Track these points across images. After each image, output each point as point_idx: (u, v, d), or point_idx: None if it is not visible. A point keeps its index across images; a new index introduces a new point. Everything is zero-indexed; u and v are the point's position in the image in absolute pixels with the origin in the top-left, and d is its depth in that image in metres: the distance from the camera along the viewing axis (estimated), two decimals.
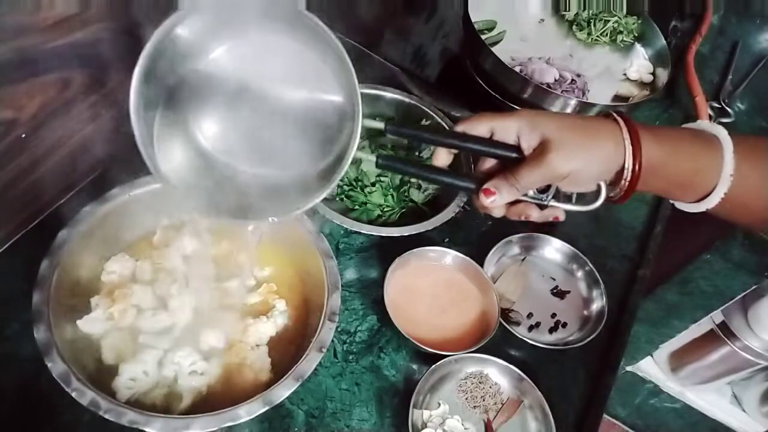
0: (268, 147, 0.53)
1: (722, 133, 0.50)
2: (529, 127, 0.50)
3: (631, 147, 0.48)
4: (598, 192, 0.51)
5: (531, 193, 0.52)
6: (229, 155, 0.54)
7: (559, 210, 0.53)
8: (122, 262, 0.64)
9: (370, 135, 0.85)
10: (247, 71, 0.51)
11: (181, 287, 0.64)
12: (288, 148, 0.53)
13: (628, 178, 0.49)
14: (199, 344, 0.61)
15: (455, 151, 0.55)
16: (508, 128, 0.51)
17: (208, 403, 0.58)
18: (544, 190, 0.52)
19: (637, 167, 0.49)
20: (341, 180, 0.82)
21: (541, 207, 0.53)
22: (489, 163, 0.54)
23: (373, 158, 0.52)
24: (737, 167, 0.49)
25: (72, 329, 0.58)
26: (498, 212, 0.53)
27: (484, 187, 0.51)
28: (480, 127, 0.52)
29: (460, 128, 0.53)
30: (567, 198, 0.52)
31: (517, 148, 0.51)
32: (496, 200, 0.51)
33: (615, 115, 0.51)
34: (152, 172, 0.48)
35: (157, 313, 0.62)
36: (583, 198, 0.52)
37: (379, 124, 0.53)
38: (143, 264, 0.65)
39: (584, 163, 0.49)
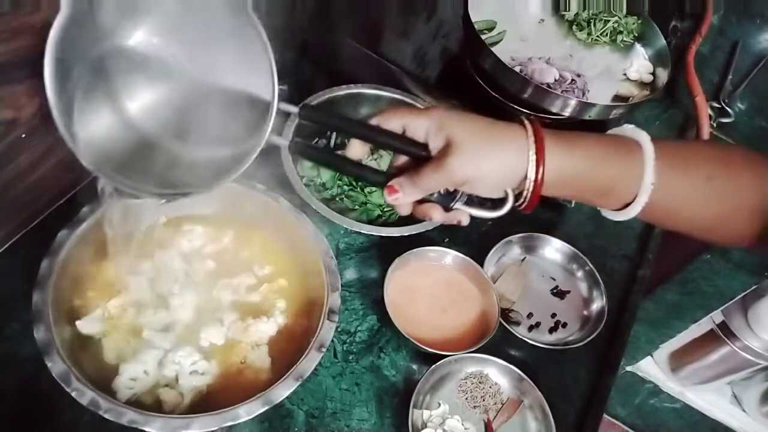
0: (189, 123, 0.52)
1: (644, 139, 0.49)
2: (436, 127, 0.49)
3: (534, 156, 0.47)
4: (505, 198, 0.50)
5: (437, 194, 0.51)
6: (149, 127, 0.53)
7: (462, 214, 0.52)
8: (120, 261, 0.64)
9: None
10: (172, 46, 0.50)
11: (181, 285, 0.64)
12: (207, 127, 0.52)
13: (530, 188, 0.48)
14: (199, 342, 0.61)
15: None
16: (418, 126, 0.50)
17: (208, 402, 0.58)
18: (453, 192, 0.51)
19: (539, 177, 0.47)
20: (341, 180, 0.82)
21: (447, 209, 0.52)
22: (402, 159, 0.54)
23: (286, 142, 0.52)
24: (660, 175, 0.47)
25: (72, 329, 0.58)
26: (404, 210, 0.52)
27: (389, 184, 0.51)
28: (393, 121, 0.51)
29: (374, 121, 0.52)
30: (478, 203, 0.52)
31: (426, 146, 0.51)
32: (399, 198, 0.51)
33: (525, 122, 0.49)
34: (67, 142, 0.47)
35: (158, 311, 0.62)
36: (491, 203, 0.52)
37: (293, 108, 0.52)
38: (142, 262, 0.65)
39: (483, 169, 0.48)
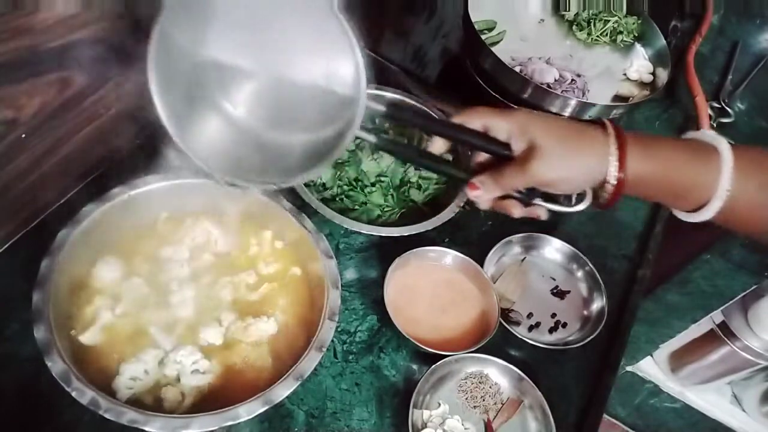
0: (281, 117, 0.56)
1: (723, 146, 0.49)
2: (519, 130, 0.51)
3: (616, 161, 0.49)
4: (583, 194, 0.52)
5: (516, 191, 0.53)
6: (246, 120, 0.56)
7: (541, 209, 0.54)
8: (117, 263, 0.64)
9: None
10: (259, 48, 0.52)
11: (181, 282, 0.64)
12: (298, 117, 0.55)
13: (610, 191, 0.50)
14: (198, 341, 0.61)
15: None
16: (500, 128, 0.52)
17: (208, 402, 0.58)
18: (531, 189, 0.53)
19: (620, 179, 0.49)
20: (341, 180, 0.82)
21: (526, 204, 0.54)
22: (484, 156, 0.56)
23: (372, 137, 0.53)
24: (735, 181, 0.48)
25: (72, 330, 0.58)
26: (483, 205, 0.54)
27: (471, 181, 0.53)
28: (475, 121, 0.53)
29: (457, 120, 0.54)
30: (553, 198, 0.53)
31: (509, 145, 0.52)
32: (480, 195, 0.53)
33: (607, 124, 0.51)
34: (184, 150, 0.52)
35: (158, 310, 0.62)
36: (569, 199, 0.53)
37: (380, 106, 0.54)
38: (142, 260, 0.65)
39: (567, 173, 0.50)
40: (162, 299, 0.63)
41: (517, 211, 0.54)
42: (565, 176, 0.50)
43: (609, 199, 0.51)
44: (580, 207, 0.52)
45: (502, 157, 0.53)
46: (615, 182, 0.49)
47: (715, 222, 0.51)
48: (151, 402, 0.57)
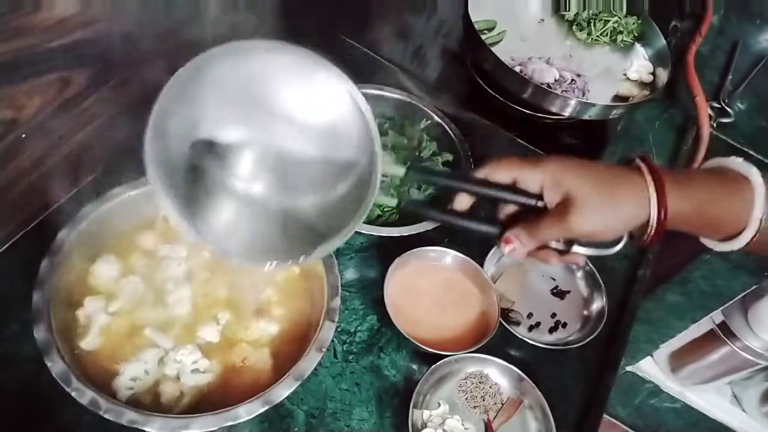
0: (288, 178, 0.53)
1: (754, 176, 0.49)
2: (552, 182, 0.50)
3: (656, 206, 0.48)
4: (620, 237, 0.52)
5: (553, 243, 0.52)
6: (256, 192, 0.53)
7: (579, 256, 0.53)
8: (114, 263, 0.64)
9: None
10: (259, 112, 0.50)
11: (177, 282, 0.64)
12: (308, 180, 0.52)
13: (652, 233, 0.49)
14: (197, 339, 0.61)
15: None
16: (531, 180, 0.51)
17: (208, 402, 0.58)
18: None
19: (661, 221, 0.48)
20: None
21: (562, 253, 0.53)
22: (512, 207, 0.54)
23: (394, 201, 0.53)
24: None
25: (72, 330, 0.58)
26: (519, 257, 0.53)
27: (505, 235, 0.52)
28: (503, 174, 0.51)
29: (483, 172, 0.52)
30: (594, 243, 0.53)
31: (540, 196, 0.51)
32: (515, 249, 0.51)
33: (642, 167, 0.50)
34: (196, 238, 0.49)
35: (156, 308, 0.62)
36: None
37: (401, 170, 0.53)
38: (139, 259, 0.65)
39: (606, 223, 0.49)
40: (159, 298, 0.63)
41: (554, 260, 0.53)
42: (605, 227, 0.49)
43: (650, 241, 0.50)
44: (618, 247, 0.52)
45: (532, 208, 0.51)
46: (656, 225, 0.49)
47: (746, 250, 0.50)
48: (150, 401, 0.57)
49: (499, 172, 0.51)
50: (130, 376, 0.57)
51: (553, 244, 0.53)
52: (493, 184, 0.52)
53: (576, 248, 0.52)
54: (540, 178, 0.50)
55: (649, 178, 0.49)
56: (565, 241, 0.52)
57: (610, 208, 0.48)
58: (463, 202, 0.55)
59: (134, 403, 0.56)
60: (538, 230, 0.50)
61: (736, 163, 0.51)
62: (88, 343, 0.58)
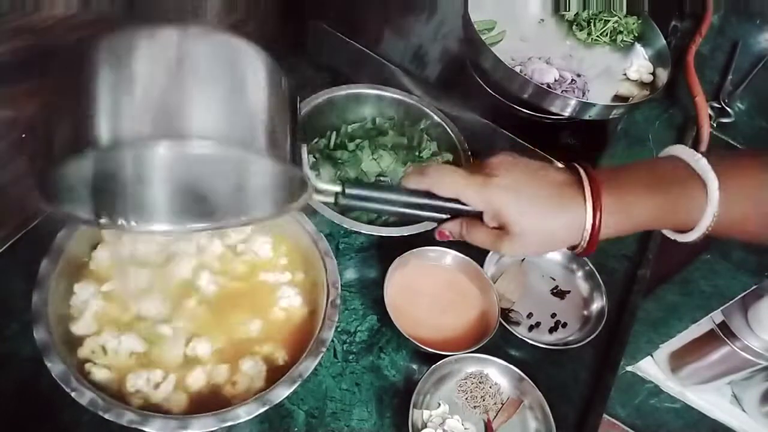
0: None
1: (704, 169, 0.48)
2: (492, 212, 0.51)
3: (589, 231, 0.49)
4: None
5: None
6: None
7: None
8: (114, 246, 0.64)
9: (369, 136, 0.85)
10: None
11: (182, 277, 0.64)
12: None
13: (585, 245, 0.51)
14: (196, 340, 0.61)
15: None
16: (472, 203, 0.52)
17: (208, 402, 0.58)
18: None
19: (595, 239, 0.50)
20: (341, 180, 0.82)
21: None
22: None
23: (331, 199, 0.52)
24: (722, 200, 0.47)
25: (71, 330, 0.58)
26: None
27: (439, 229, 0.55)
28: (445, 191, 0.52)
29: (424, 185, 0.52)
30: None
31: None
32: (447, 240, 0.56)
33: (586, 190, 0.49)
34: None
35: (156, 302, 0.62)
36: None
37: (329, 198, 0.52)
38: (139, 249, 0.65)
39: (537, 250, 0.52)
40: (160, 292, 0.63)
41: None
42: (536, 252, 0.54)
43: (585, 249, 0.51)
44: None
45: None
46: (587, 246, 0.50)
47: (709, 236, 0.51)
48: (150, 402, 0.57)
49: (442, 190, 0.52)
50: (135, 387, 0.56)
51: None
52: (438, 196, 0.52)
53: None
54: (480, 206, 0.51)
55: (589, 206, 0.49)
56: None
57: (544, 237, 0.51)
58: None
59: (134, 403, 0.55)
60: (472, 236, 0.53)
61: (685, 154, 0.50)
62: (79, 327, 0.58)
